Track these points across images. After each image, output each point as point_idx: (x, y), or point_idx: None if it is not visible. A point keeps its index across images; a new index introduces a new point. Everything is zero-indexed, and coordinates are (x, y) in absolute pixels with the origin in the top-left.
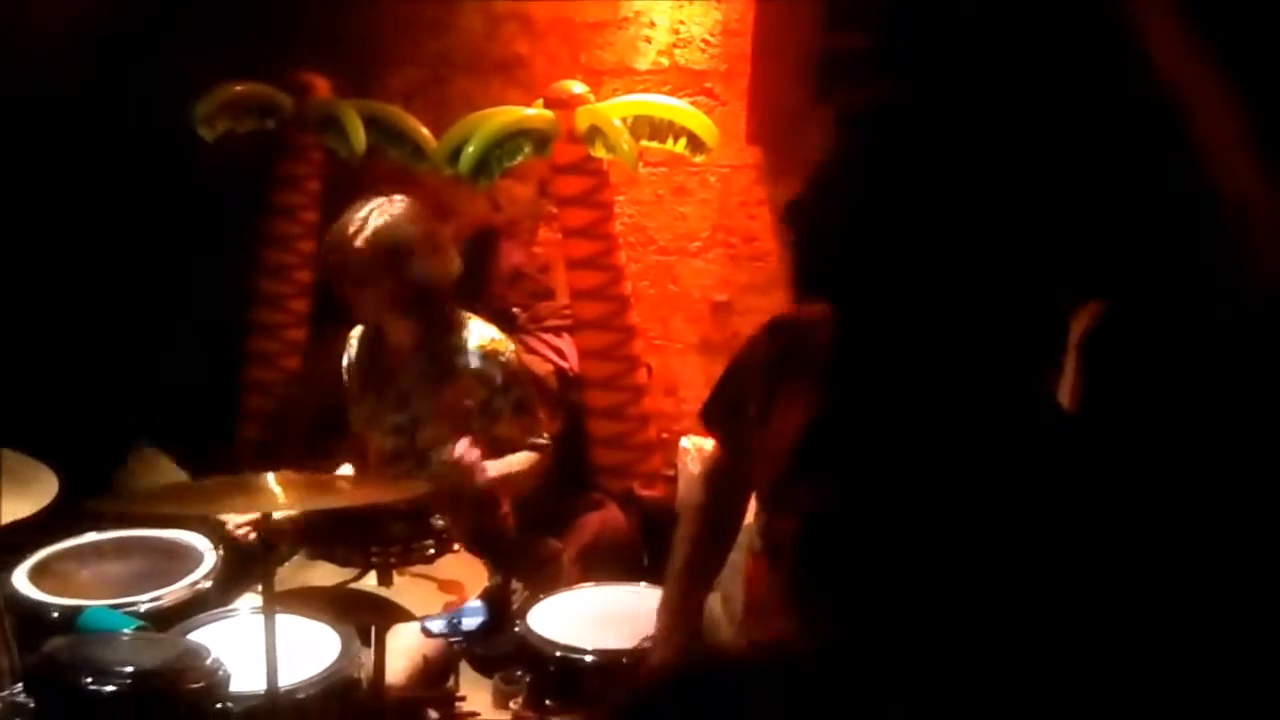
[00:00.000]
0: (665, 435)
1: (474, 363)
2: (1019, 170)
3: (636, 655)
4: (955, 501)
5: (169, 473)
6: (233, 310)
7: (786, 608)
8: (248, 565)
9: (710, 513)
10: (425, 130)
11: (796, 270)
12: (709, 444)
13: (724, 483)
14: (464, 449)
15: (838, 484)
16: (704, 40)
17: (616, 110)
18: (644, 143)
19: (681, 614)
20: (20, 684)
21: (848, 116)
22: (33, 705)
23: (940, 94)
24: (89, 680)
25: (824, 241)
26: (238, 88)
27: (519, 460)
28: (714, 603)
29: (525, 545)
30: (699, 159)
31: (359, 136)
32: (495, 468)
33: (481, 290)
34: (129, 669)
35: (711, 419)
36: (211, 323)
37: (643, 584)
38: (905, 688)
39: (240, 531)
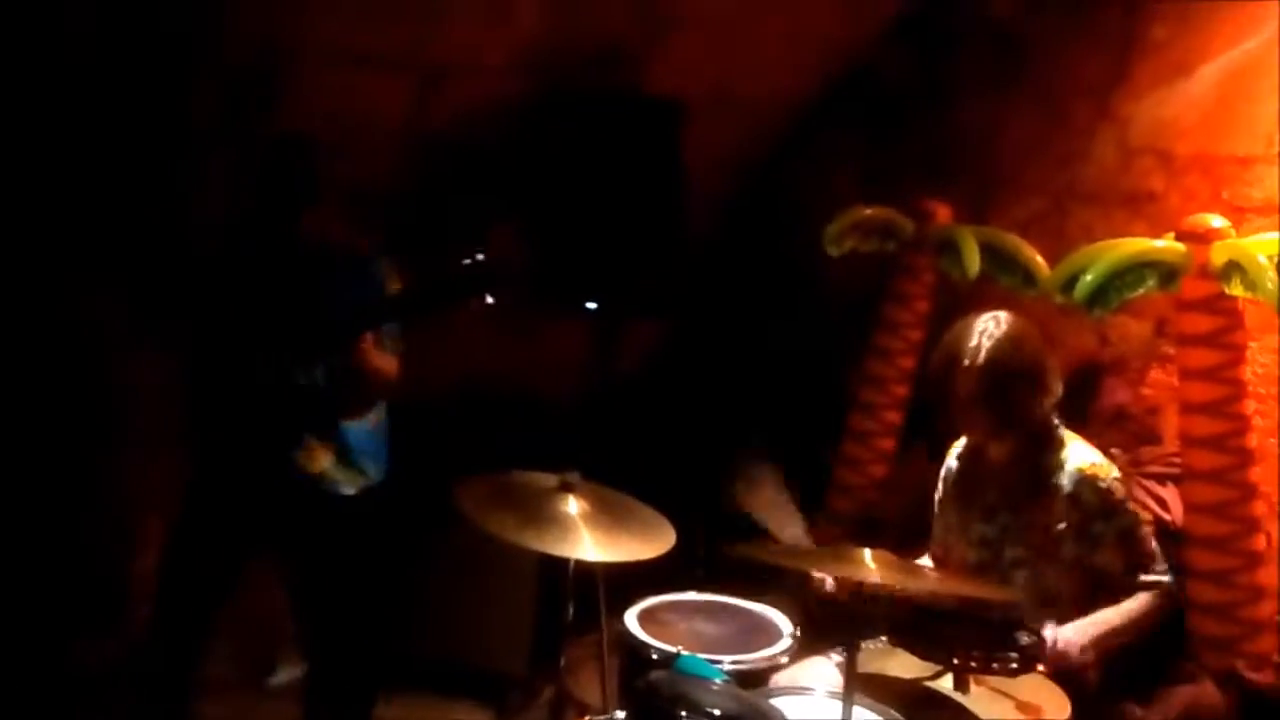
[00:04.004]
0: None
1: (1067, 485)
2: None
3: None
4: None
5: (775, 487)
6: (833, 414)
7: None
8: (825, 629)
9: None
10: (1040, 258)
11: None
12: None
13: None
14: (1051, 636)
15: None
16: None
17: (1262, 247)
18: None
19: None
20: (617, 710)
21: None
22: None
23: None
24: (683, 713)
25: None
26: (866, 211)
27: (1124, 612)
28: None
29: (1102, 703)
30: None
31: (974, 260)
32: (1089, 633)
33: (1080, 426)
34: (717, 712)
35: None
36: (809, 425)
37: None
38: None
39: (827, 586)
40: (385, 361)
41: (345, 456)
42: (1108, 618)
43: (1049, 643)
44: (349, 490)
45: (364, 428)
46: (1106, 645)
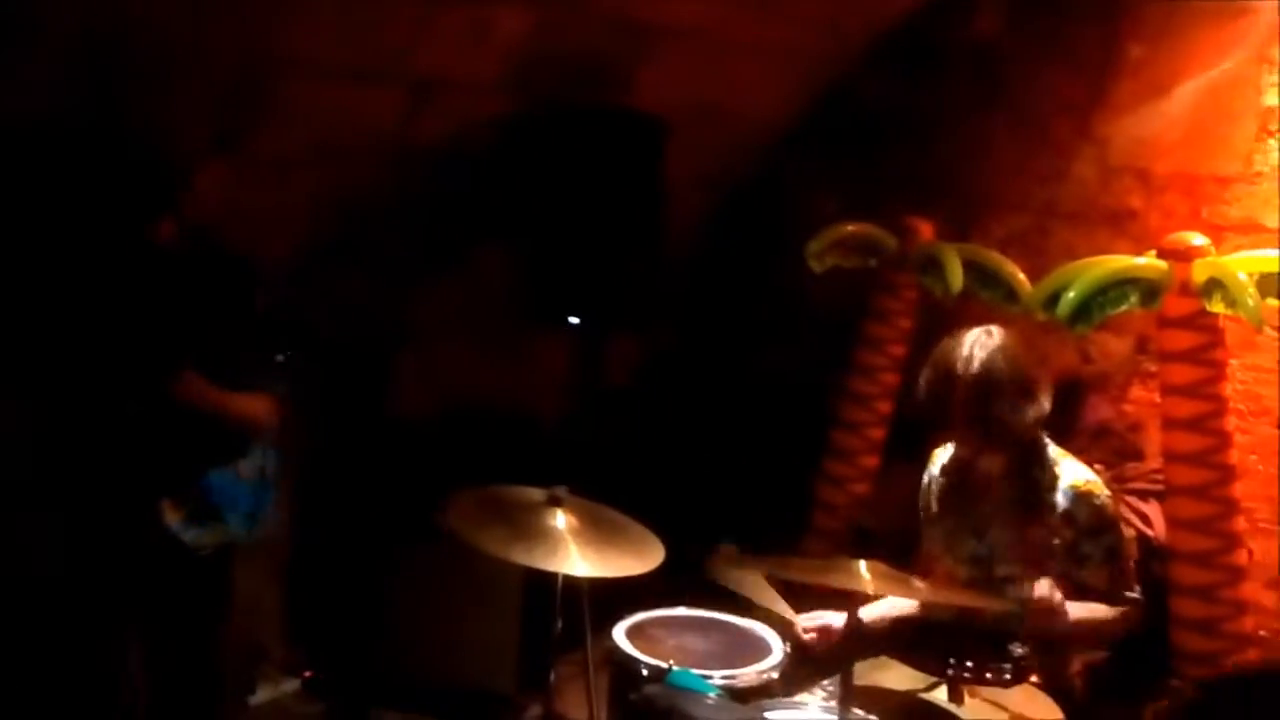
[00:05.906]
0: (1263, 632)
1: (1063, 502)
2: None
3: None
4: None
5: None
6: (812, 430)
7: None
8: (809, 668)
9: None
10: (1022, 275)
11: None
12: None
13: None
14: (1045, 590)
15: None
16: None
17: (1241, 265)
18: (1271, 301)
19: None
20: None
21: None
22: None
23: None
24: None
25: None
26: (849, 228)
27: (1103, 610)
28: None
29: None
30: None
31: (956, 277)
32: (1076, 612)
33: (1063, 443)
34: None
35: None
36: (791, 437)
37: None
38: None
39: (807, 637)
40: (249, 404)
41: (201, 510)
42: (1090, 607)
43: (1040, 596)
44: (203, 550)
45: (229, 477)
46: (1081, 634)
